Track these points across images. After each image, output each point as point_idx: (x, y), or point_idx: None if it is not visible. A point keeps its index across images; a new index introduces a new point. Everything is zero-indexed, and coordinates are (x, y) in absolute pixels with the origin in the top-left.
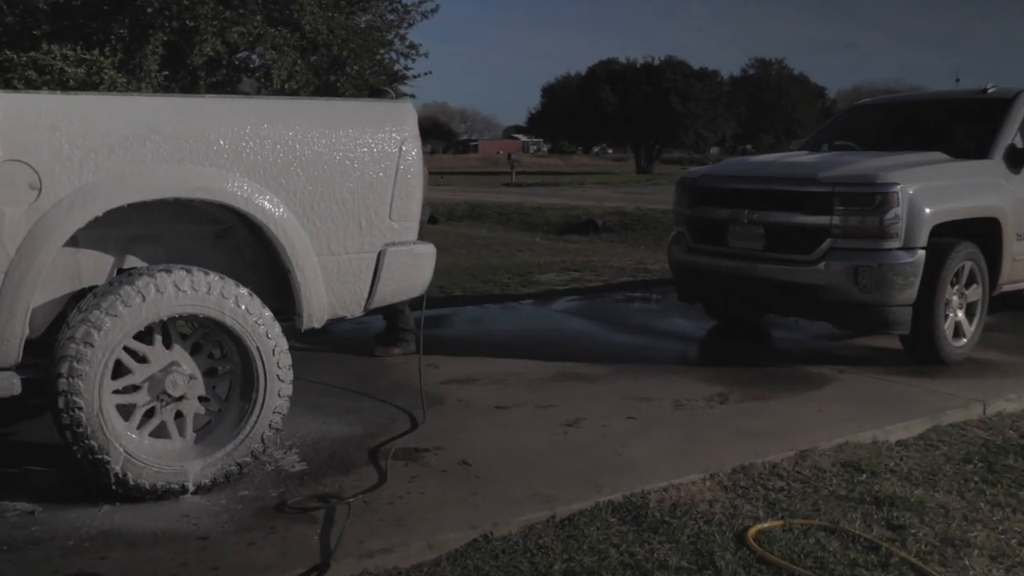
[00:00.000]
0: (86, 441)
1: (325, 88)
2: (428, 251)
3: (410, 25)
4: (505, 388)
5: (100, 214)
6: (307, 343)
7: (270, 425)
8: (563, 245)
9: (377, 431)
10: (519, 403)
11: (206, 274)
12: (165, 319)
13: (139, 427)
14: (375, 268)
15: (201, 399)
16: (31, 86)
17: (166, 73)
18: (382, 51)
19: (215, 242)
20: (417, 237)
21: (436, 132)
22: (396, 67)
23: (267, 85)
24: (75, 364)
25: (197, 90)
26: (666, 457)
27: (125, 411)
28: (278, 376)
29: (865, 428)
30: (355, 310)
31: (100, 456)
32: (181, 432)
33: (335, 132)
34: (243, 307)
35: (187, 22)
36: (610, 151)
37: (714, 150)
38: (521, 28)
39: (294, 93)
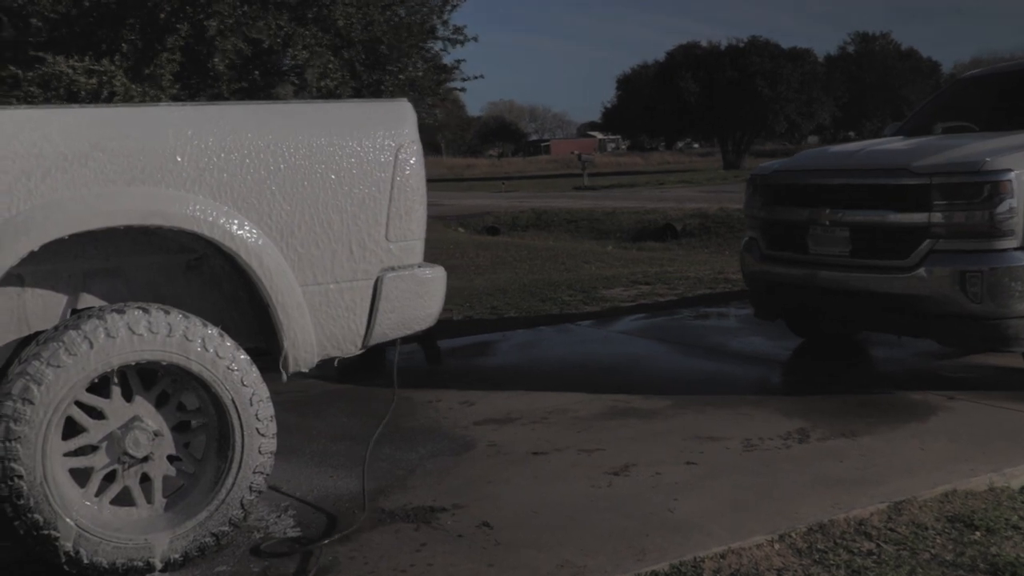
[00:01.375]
0: (29, 515)
1: (366, 88)
2: (435, 275)
3: (454, 7)
4: (546, 428)
5: (36, 248)
6: (323, 375)
7: (250, 488)
8: (636, 254)
9: (390, 486)
10: (560, 447)
11: (166, 313)
12: (117, 368)
13: (98, 494)
14: (372, 298)
15: (172, 458)
16: (31, 103)
17: (186, 80)
18: (426, 42)
19: (187, 274)
20: (422, 258)
21: (502, 133)
22: (443, 59)
23: (302, 88)
24: (12, 425)
25: (221, 97)
26: (727, 513)
27: (82, 475)
28: (257, 430)
29: (979, 472)
30: (350, 348)
31: (47, 532)
32: (148, 498)
33: (316, 141)
34: (212, 350)
35: (204, 21)
36: (696, 145)
37: (812, 139)
38: (591, 15)
39: (331, 93)
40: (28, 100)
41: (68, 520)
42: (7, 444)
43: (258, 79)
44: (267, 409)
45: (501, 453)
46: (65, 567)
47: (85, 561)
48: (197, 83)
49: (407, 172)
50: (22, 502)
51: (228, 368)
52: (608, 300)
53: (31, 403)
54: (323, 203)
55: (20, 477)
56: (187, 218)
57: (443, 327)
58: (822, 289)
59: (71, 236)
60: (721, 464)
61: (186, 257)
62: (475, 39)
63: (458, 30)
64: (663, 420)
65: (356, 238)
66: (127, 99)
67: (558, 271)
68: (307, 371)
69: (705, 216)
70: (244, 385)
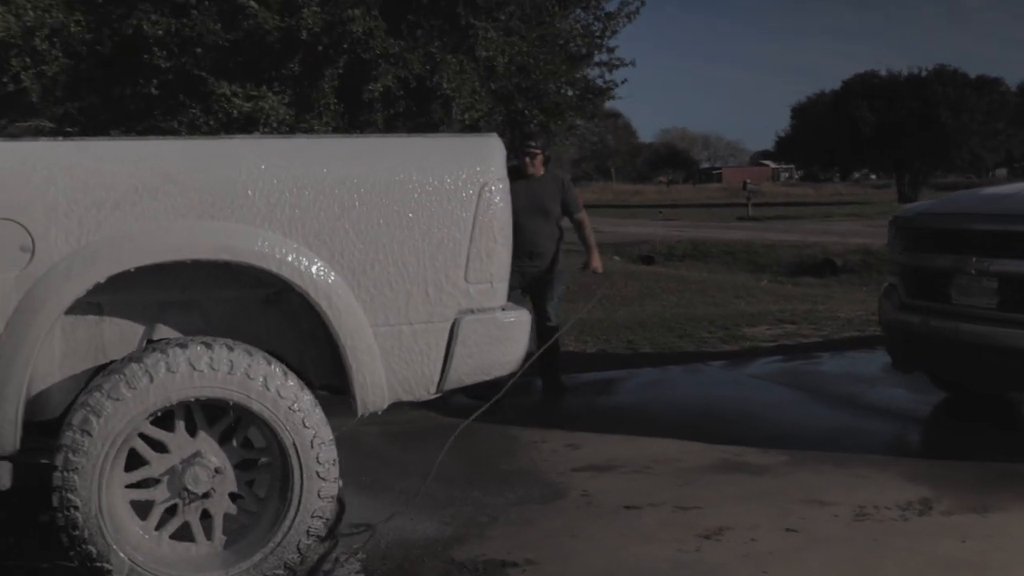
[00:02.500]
0: (83, 546)
1: (513, 116)
2: (518, 319)
3: (614, 33)
4: (646, 479)
5: (102, 280)
6: (436, 407)
7: (308, 532)
8: (790, 289)
9: (468, 534)
10: (655, 501)
11: (229, 349)
12: (176, 403)
13: (158, 528)
14: (448, 342)
15: (237, 496)
16: (193, 126)
17: (340, 108)
18: (584, 70)
19: (264, 309)
20: (504, 300)
21: (673, 160)
22: (599, 82)
23: (447, 116)
24: (70, 456)
25: (374, 124)
26: None
27: (145, 508)
28: (317, 473)
29: None
30: (422, 392)
31: (100, 564)
32: (208, 535)
33: (395, 177)
34: (273, 389)
35: (361, 54)
36: (873, 177)
37: (1000, 172)
38: (767, 44)
39: (475, 123)
40: (191, 124)
41: (121, 554)
42: (65, 474)
43: (412, 107)
44: (329, 452)
45: (592, 504)
46: None
47: None
48: (353, 111)
49: (491, 211)
50: (77, 533)
51: (290, 408)
52: (749, 339)
53: (89, 435)
54: (399, 242)
55: (76, 508)
56: (255, 254)
57: (574, 360)
58: (964, 344)
59: (137, 269)
60: (824, 534)
61: (264, 292)
62: (632, 64)
63: (611, 51)
64: (773, 478)
65: (432, 279)
66: (282, 125)
67: (704, 305)
68: (378, 412)
69: (868, 252)
70: (305, 427)
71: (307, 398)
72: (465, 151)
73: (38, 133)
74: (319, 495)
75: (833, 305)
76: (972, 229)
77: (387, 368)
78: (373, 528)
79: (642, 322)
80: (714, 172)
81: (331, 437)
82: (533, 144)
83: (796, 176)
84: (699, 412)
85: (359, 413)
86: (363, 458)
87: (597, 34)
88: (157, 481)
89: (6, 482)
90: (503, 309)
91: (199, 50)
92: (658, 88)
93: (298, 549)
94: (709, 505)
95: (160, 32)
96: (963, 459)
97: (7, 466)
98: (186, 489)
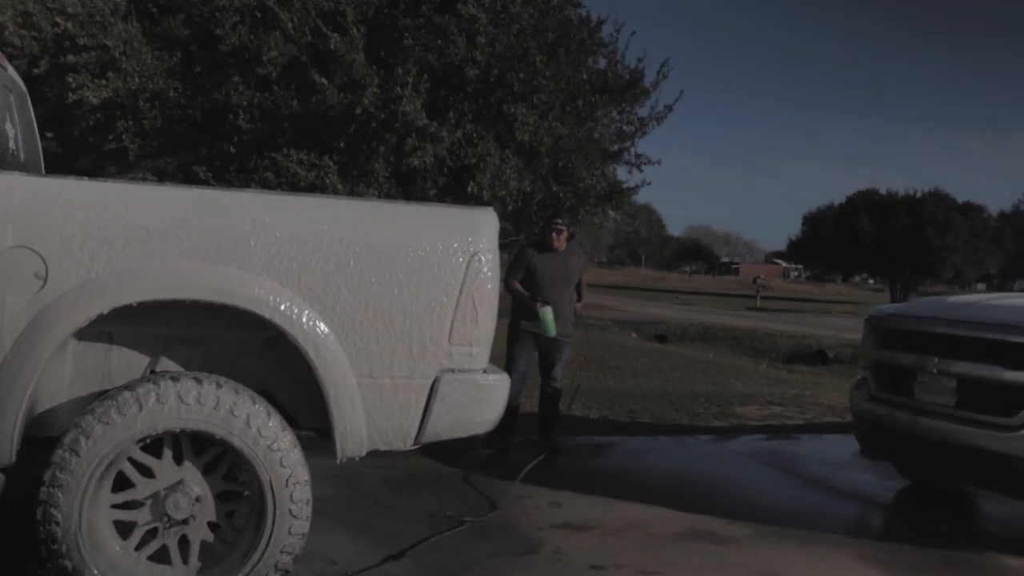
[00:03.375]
0: (59, 560)
1: (548, 198)
2: (496, 382)
3: (644, 134)
4: (618, 542)
5: (106, 311)
6: (439, 453)
7: (276, 566)
8: (784, 375)
9: None
10: (620, 564)
11: (218, 386)
12: (162, 432)
13: (138, 548)
14: (428, 398)
15: (217, 525)
16: (266, 187)
17: (387, 175)
18: (612, 165)
19: (262, 351)
20: (486, 363)
21: (697, 253)
22: (627, 179)
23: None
24: (57, 473)
25: (420, 196)
26: None
27: (128, 528)
28: (290, 511)
29: None
30: (399, 444)
31: None
32: (185, 559)
33: (390, 240)
34: (255, 428)
35: (403, 132)
36: (871, 281)
37: (980, 286)
38: (787, 157)
39: (501, 199)
40: (263, 184)
41: (95, 571)
42: (50, 490)
43: (452, 182)
44: (303, 492)
45: (561, 561)
46: None
47: None
48: (402, 183)
49: (479, 279)
50: (55, 547)
51: (269, 447)
52: (738, 417)
53: (77, 455)
54: (388, 301)
55: (56, 523)
56: (250, 299)
57: (577, 424)
58: (923, 437)
59: (142, 304)
60: None
61: (264, 335)
62: (658, 163)
63: (639, 156)
64: (735, 550)
65: (417, 338)
66: (336, 192)
67: (704, 383)
68: (355, 458)
69: (858, 346)
70: (283, 466)
71: (287, 439)
72: (458, 221)
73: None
74: (290, 532)
75: (820, 392)
76: (935, 332)
77: (368, 418)
78: (355, 572)
79: (646, 394)
80: (732, 266)
81: (307, 479)
82: (559, 221)
83: (804, 275)
84: (678, 481)
85: (338, 458)
86: (359, 499)
87: (629, 135)
88: (141, 504)
89: None
90: (484, 371)
91: (274, 120)
92: (689, 188)
93: None
94: (671, 572)
95: (245, 102)
96: (918, 544)
97: (1, 477)
98: (166, 514)
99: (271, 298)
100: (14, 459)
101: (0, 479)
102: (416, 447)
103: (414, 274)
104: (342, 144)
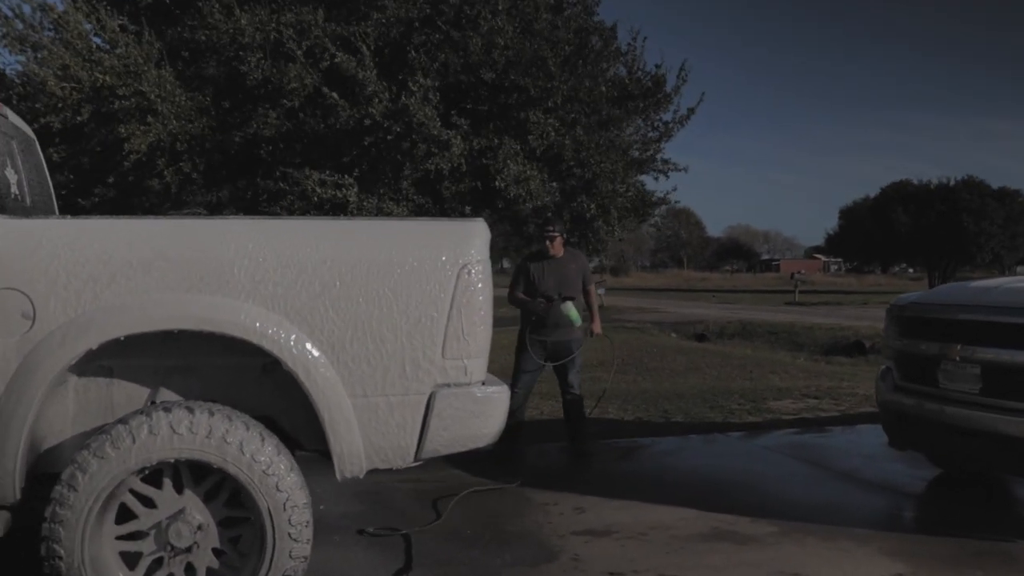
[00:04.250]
0: None
1: (574, 210)
2: (494, 395)
3: (669, 139)
4: (638, 546)
5: (94, 347)
6: (467, 465)
7: None
8: (822, 367)
9: None
10: (638, 569)
11: (210, 414)
12: (156, 463)
13: None
14: (424, 414)
15: (219, 551)
16: (291, 211)
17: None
18: (637, 177)
19: (260, 377)
20: (483, 375)
21: (737, 252)
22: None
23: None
24: (57, 509)
25: (441, 196)
26: None
27: (135, 559)
28: (289, 535)
29: None
30: (398, 461)
31: None
32: None
33: (375, 258)
34: (248, 454)
35: (418, 141)
36: (910, 271)
37: (1020, 268)
38: (821, 152)
39: (523, 201)
40: (289, 209)
41: None
42: (52, 526)
43: (477, 186)
44: (301, 515)
45: (579, 569)
46: None
47: None
48: (425, 193)
49: (470, 291)
50: None
51: (264, 472)
52: (772, 411)
53: (75, 490)
54: (376, 320)
55: (60, 558)
56: (236, 325)
57: (611, 426)
58: (949, 426)
59: (139, 336)
60: None
61: (261, 361)
62: (685, 169)
63: (665, 162)
64: (756, 549)
65: (410, 355)
66: (360, 209)
67: (741, 379)
68: (357, 477)
69: None
70: (279, 490)
71: (283, 463)
72: (445, 234)
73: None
74: (291, 555)
75: (856, 382)
76: (958, 319)
77: (364, 438)
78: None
79: (681, 393)
80: (773, 263)
81: (305, 501)
82: (551, 228)
83: (844, 268)
84: (704, 481)
85: (339, 476)
86: (384, 514)
87: (654, 140)
88: (145, 534)
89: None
90: (483, 384)
91: (298, 145)
92: (726, 190)
93: None
94: (688, 574)
95: (269, 133)
96: (946, 535)
97: (4, 516)
98: (170, 543)
99: (257, 324)
100: (19, 496)
101: (5, 516)
102: (418, 463)
103: (402, 291)
104: (364, 164)
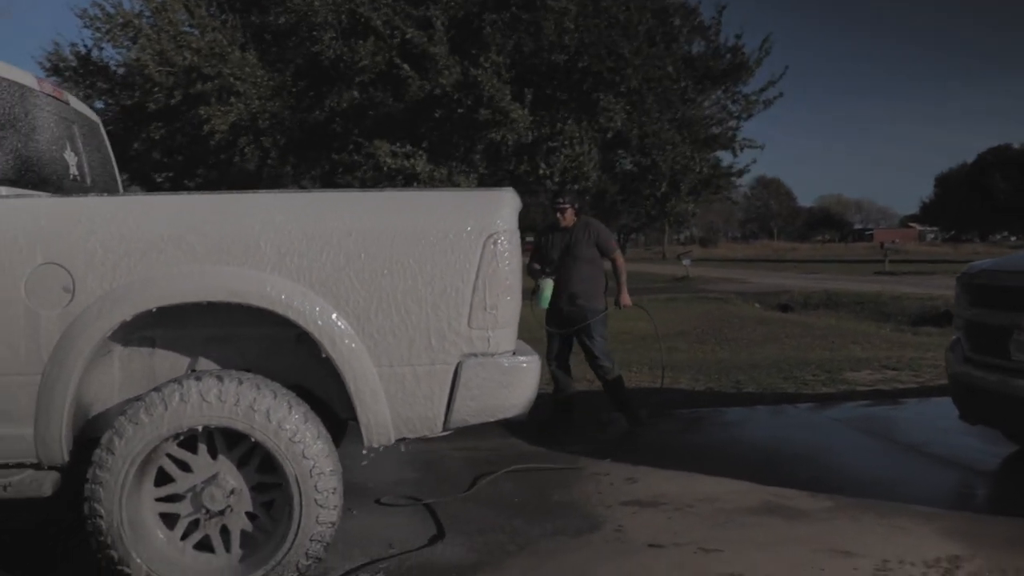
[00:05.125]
0: (107, 551)
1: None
2: (524, 364)
3: (749, 116)
4: (684, 518)
5: (128, 318)
6: (527, 434)
7: (307, 554)
8: (908, 338)
9: (488, 562)
10: (681, 542)
11: (239, 383)
12: (187, 430)
13: (183, 538)
14: (452, 384)
15: (253, 515)
16: (364, 182)
17: (480, 159)
18: (714, 152)
19: (295, 347)
20: (512, 345)
21: (829, 222)
22: (730, 164)
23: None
24: (97, 471)
25: (501, 170)
26: None
27: (173, 519)
28: (316, 500)
29: None
30: (426, 431)
31: (120, 568)
32: (227, 548)
33: (400, 229)
34: (275, 422)
35: (486, 113)
36: (1012, 238)
37: None
38: (917, 121)
39: (582, 177)
40: (363, 179)
41: (138, 560)
42: (93, 487)
43: (528, 165)
44: (328, 482)
45: (621, 540)
46: None
47: None
48: (492, 164)
49: (496, 262)
50: (101, 539)
51: (291, 440)
52: (848, 383)
53: (112, 453)
54: (402, 291)
55: (101, 517)
56: (262, 297)
57: (680, 396)
58: (1020, 399)
59: (158, 309)
60: None
61: (295, 331)
62: (762, 147)
63: (746, 140)
64: (807, 524)
65: (435, 327)
66: (430, 179)
67: (820, 350)
68: (386, 445)
69: None
70: (305, 457)
71: (310, 431)
72: (471, 204)
73: None
74: (317, 520)
75: (940, 353)
76: None
77: (391, 407)
78: (435, 541)
79: (756, 364)
80: (866, 232)
81: (332, 468)
82: (561, 200)
83: (941, 238)
84: (764, 452)
85: (367, 445)
86: (436, 482)
87: (734, 115)
88: (182, 497)
89: (47, 489)
90: (514, 354)
91: (369, 120)
92: (818, 159)
93: (297, 568)
94: (732, 549)
95: (343, 106)
96: (1012, 516)
97: (53, 476)
98: (204, 506)
99: (283, 295)
100: (67, 459)
101: (55, 477)
102: (447, 432)
103: (427, 262)
104: (434, 135)
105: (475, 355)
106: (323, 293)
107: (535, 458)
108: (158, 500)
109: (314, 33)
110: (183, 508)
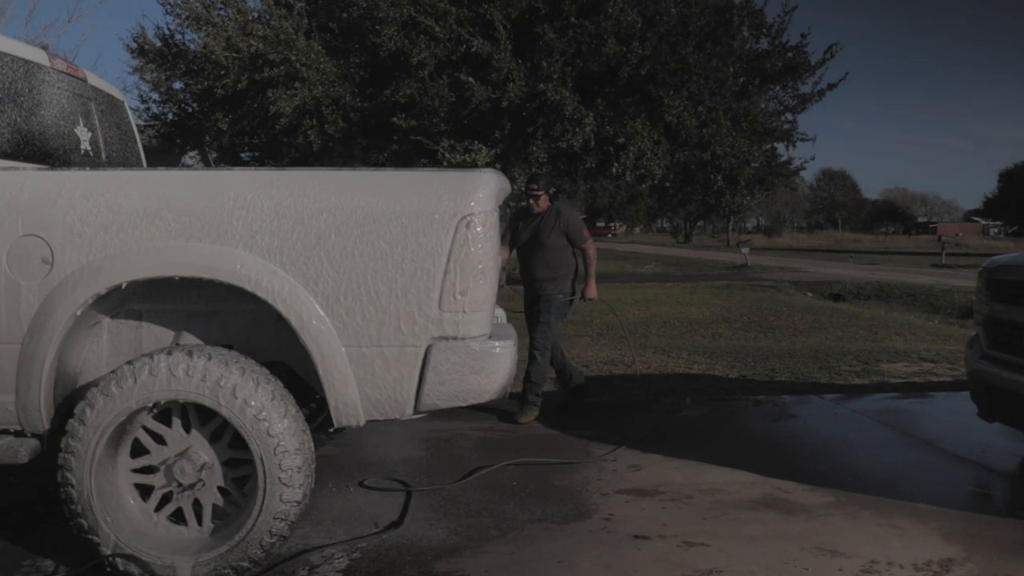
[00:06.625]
0: (77, 519)
1: (698, 183)
2: (496, 349)
3: (803, 110)
4: (678, 509)
5: (102, 292)
6: (545, 420)
7: (271, 532)
8: (955, 330)
9: (467, 547)
10: (668, 534)
11: (207, 359)
12: (154, 403)
13: (157, 509)
14: (421, 368)
15: (226, 490)
16: None
17: (545, 158)
18: (772, 144)
19: (277, 324)
20: (486, 330)
21: (893, 215)
22: (789, 158)
23: (617, 169)
24: (70, 441)
25: (572, 170)
26: None
27: (148, 491)
28: (280, 479)
29: None
30: (395, 413)
31: (90, 536)
32: (199, 521)
33: (370, 211)
34: (240, 398)
35: (553, 119)
36: None
37: None
38: (985, 115)
39: (642, 177)
40: None
41: (107, 530)
42: (65, 456)
43: (606, 159)
44: (292, 461)
45: (606, 530)
46: (108, 569)
47: (120, 568)
48: (554, 162)
49: (469, 244)
50: (72, 507)
51: (256, 417)
52: (881, 374)
53: (84, 424)
54: (372, 272)
55: (72, 485)
56: (232, 273)
57: (710, 383)
58: None
59: (128, 283)
60: None
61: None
62: (813, 139)
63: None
64: (801, 521)
65: (404, 309)
66: None
67: (862, 340)
68: (354, 425)
69: None
70: (270, 435)
71: (276, 409)
72: (444, 185)
73: None
74: (281, 499)
75: None
76: None
77: (360, 389)
78: (394, 527)
79: (794, 352)
80: (930, 226)
81: (297, 447)
82: (535, 186)
83: (1004, 232)
84: (777, 443)
85: (336, 425)
86: (441, 463)
87: (789, 108)
88: (156, 469)
89: (23, 457)
90: (488, 338)
91: (435, 118)
92: (884, 152)
93: (261, 546)
94: (719, 543)
95: (403, 99)
96: (1017, 518)
97: (31, 443)
98: (175, 479)
99: (252, 273)
100: (47, 426)
101: (33, 445)
102: (419, 415)
103: (397, 243)
104: (496, 134)
105: (445, 338)
106: (293, 272)
107: (548, 441)
108: (134, 471)
109: (376, 27)
110: (157, 480)
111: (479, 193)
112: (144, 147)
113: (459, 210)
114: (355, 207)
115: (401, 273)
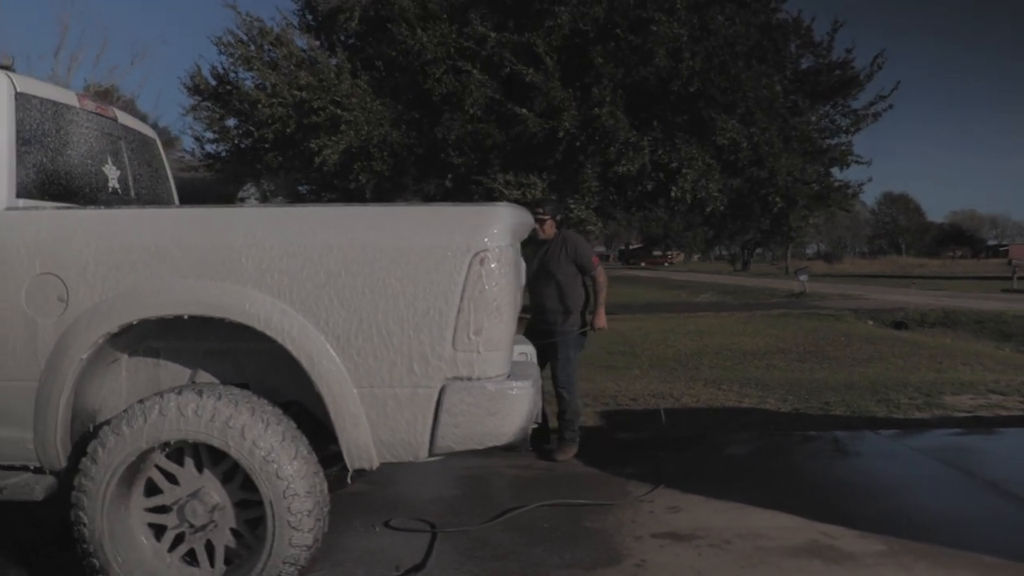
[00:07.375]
0: (89, 558)
1: (753, 204)
2: (511, 390)
3: (858, 130)
4: (715, 556)
5: (115, 330)
6: (586, 457)
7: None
8: None
9: None
10: None
11: (217, 398)
12: (163, 443)
13: (171, 549)
14: (435, 410)
15: (239, 532)
16: None
17: (598, 187)
18: (821, 166)
19: (291, 363)
20: (504, 369)
21: (959, 237)
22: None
23: (676, 192)
24: (82, 479)
25: (626, 202)
26: None
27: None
28: (289, 522)
29: None
30: (409, 456)
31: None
32: (212, 563)
33: (381, 247)
34: (249, 439)
35: (608, 145)
36: None
37: None
38: None
39: (702, 202)
40: None
41: (118, 570)
42: (77, 494)
43: (661, 182)
44: (302, 504)
45: None
46: None
47: None
48: (608, 190)
49: (483, 281)
50: (84, 545)
51: (265, 459)
52: (945, 407)
53: (95, 462)
54: (383, 311)
55: (84, 524)
56: (242, 312)
57: (760, 417)
58: None
59: (139, 321)
60: None
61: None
62: (869, 162)
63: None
64: (848, 571)
65: (417, 349)
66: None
67: (925, 371)
68: (369, 469)
69: None
70: (279, 478)
71: (286, 451)
72: (456, 221)
73: None
74: (291, 543)
75: None
76: None
77: (373, 431)
78: (415, 571)
79: (852, 384)
80: (1001, 249)
81: (307, 490)
82: (540, 211)
83: None
84: (827, 484)
85: (349, 467)
86: (474, 503)
87: (843, 128)
88: (170, 509)
89: (39, 494)
90: (507, 378)
91: (490, 153)
92: (948, 174)
93: None
94: None
95: (455, 137)
96: None
97: (47, 480)
98: (187, 520)
99: (262, 312)
100: (64, 463)
101: (49, 482)
102: (434, 458)
103: (409, 281)
104: (551, 162)
105: (460, 379)
106: (303, 311)
107: (585, 480)
108: (148, 510)
109: (425, 68)
110: (170, 520)
111: (493, 228)
112: (200, 182)
113: (472, 246)
114: (365, 244)
115: (413, 312)
